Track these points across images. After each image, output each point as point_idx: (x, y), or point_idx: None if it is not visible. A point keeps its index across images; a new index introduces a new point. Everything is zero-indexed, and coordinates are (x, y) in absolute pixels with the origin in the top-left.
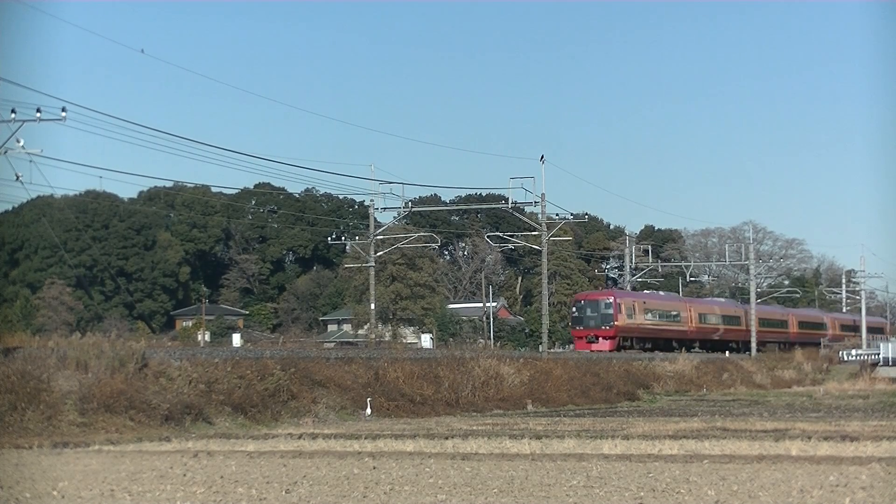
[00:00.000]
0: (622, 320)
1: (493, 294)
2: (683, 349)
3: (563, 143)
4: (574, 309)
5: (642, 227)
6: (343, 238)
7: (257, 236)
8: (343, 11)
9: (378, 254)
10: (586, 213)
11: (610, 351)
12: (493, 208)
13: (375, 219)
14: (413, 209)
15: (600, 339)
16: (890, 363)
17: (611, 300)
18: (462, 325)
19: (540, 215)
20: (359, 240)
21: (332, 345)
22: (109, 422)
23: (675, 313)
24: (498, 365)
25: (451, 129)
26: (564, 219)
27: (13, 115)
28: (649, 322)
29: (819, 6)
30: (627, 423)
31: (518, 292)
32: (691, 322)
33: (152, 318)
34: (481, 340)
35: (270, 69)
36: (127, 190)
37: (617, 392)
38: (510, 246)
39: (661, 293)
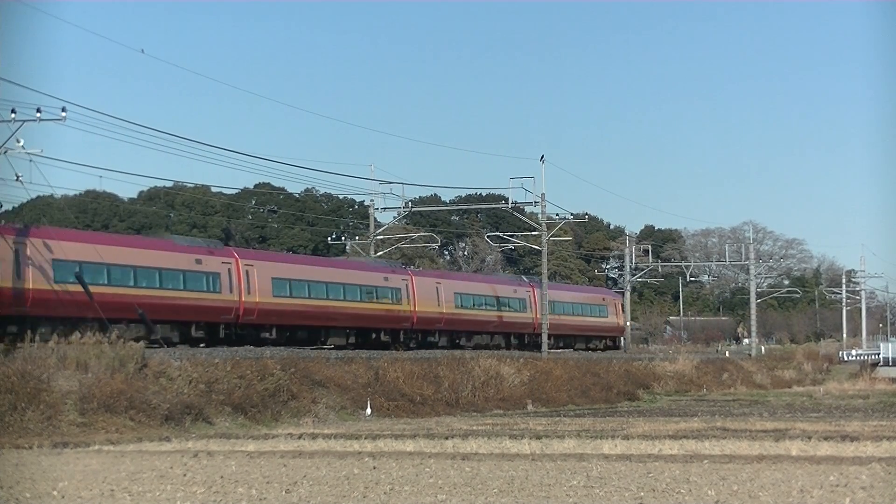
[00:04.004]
0: None
1: None
2: None
3: (563, 143)
4: None
5: (642, 227)
6: (343, 238)
7: (257, 236)
8: (343, 11)
9: (378, 254)
10: (586, 213)
11: None
12: (493, 208)
13: (375, 219)
14: (413, 209)
15: None
16: (890, 363)
17: None
18: None
19: (540, 215)
20: (359, 240)
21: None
22: (109, 422)
23: None
24: (498, 365)
25: (451, 129)
26: (564, 219)
27: (13, 115)
28: None
29: (819, 6)
30: (627, 423)
31: None
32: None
33: None
34: None
35: (270, 69)
36: (127, 190)
37: (617, 392)
38: (510, 246)
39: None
